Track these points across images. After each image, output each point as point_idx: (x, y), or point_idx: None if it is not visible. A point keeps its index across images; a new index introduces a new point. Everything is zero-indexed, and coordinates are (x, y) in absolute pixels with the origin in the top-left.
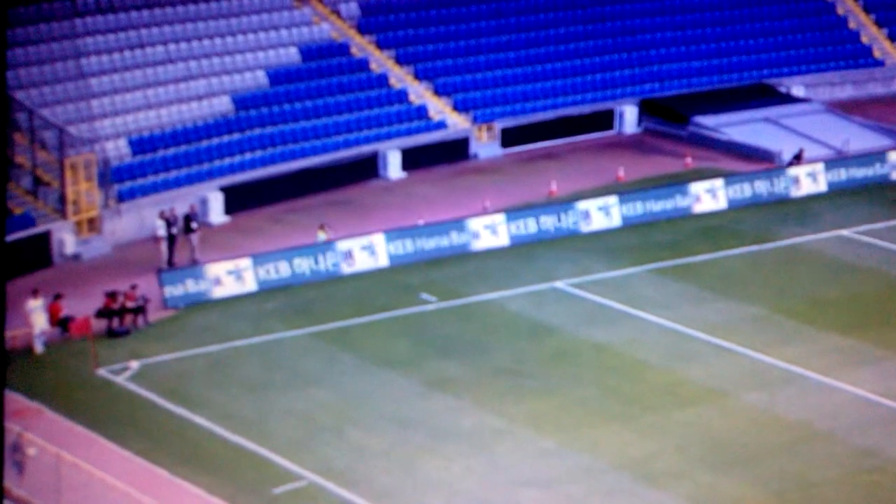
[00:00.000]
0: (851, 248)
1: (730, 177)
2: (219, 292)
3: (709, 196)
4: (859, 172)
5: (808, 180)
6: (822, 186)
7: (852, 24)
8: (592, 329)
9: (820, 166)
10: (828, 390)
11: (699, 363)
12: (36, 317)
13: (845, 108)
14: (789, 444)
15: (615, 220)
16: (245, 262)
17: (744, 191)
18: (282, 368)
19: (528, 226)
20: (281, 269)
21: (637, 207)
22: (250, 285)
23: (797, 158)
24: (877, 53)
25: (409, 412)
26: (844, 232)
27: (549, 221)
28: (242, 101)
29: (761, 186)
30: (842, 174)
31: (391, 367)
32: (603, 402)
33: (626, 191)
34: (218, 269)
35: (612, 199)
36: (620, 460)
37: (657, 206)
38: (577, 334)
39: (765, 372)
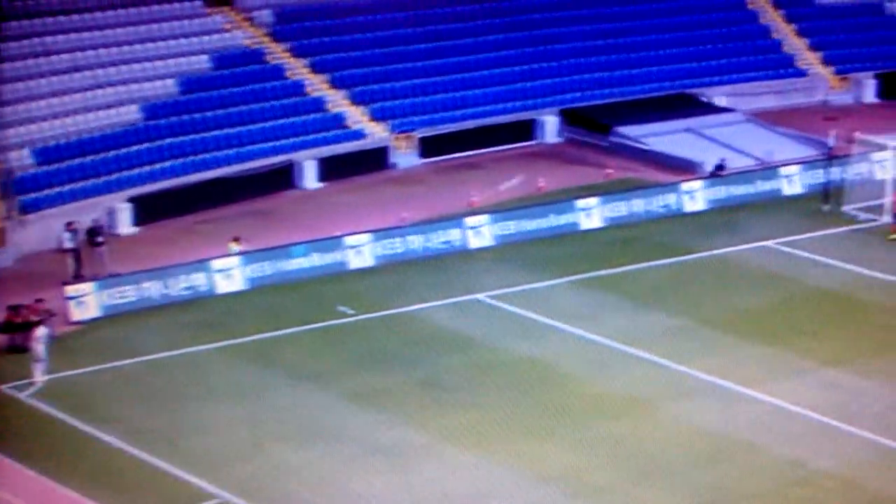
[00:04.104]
0: (774, 258)
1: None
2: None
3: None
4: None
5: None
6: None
7: (774, 34)
8: (516, 341)
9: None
10: (750, 401)
11: (622, 375)
12: None
13: (768, 118)
14: (716, 456)
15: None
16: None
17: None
18: (195, 383)
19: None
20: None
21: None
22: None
23: (719, 169)
24: (799, 63)
25: (328, 427)
26: (768, 243)
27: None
28: (152, 110)
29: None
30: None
31: (309, 380)
32: (527, 416)
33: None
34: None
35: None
36: (546, 474)
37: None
38: (501, 347)
39: (687, 383)
